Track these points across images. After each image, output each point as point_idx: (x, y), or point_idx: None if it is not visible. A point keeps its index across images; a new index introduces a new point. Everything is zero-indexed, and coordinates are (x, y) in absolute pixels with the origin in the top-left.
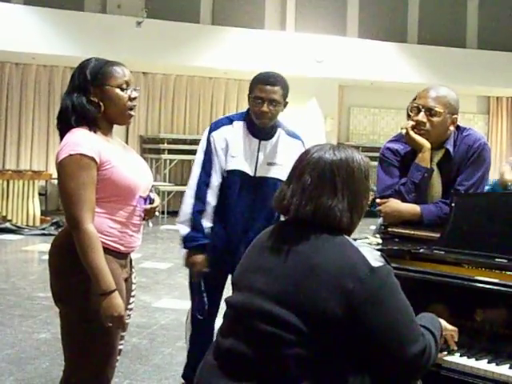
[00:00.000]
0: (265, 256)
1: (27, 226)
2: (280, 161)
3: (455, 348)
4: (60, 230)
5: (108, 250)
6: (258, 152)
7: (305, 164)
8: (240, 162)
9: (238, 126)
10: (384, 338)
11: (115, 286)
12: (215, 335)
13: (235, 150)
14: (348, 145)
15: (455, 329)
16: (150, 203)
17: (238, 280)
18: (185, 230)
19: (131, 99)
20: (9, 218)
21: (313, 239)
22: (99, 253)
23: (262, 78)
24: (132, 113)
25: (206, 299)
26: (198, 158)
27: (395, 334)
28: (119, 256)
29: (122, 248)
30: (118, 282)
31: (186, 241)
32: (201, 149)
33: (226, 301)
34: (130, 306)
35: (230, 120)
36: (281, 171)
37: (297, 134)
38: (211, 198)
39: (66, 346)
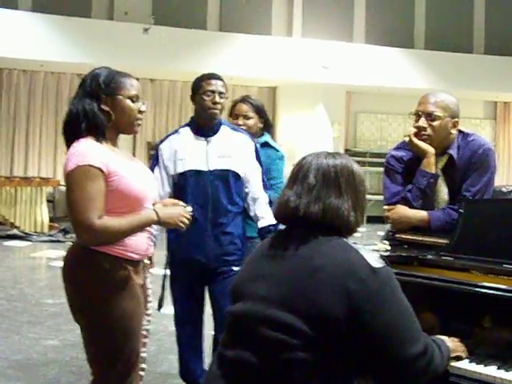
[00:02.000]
0: (264, 264)
1: (35, 232)
2: (229, 153)
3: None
4: (68, 236)
5: (121, 259)
6: (207, 148)
7: (307, 168)
8: (190, 162)
9: (184, 132)
10: (385, 338)
11: (154, 213)
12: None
13: (183, 153)
14: (355, 151)
15: (463, 349)
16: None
17: (238, 290)
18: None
19: (140, 112)
20: (17, 224)
21: (313, 242)
22: (123, 222)
23: (206, 76)
24: (139, 123)
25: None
26: (151, 171)
27: (396, 334)
28: (132, 263)
29: (134, 256)
30: (132, 290)
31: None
32: (151, 164)
33: (227, 311)
34: (148, 312)
35: (175, 130)
36: (232, 163)
37: (240, 129)
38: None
39: (90, 356)
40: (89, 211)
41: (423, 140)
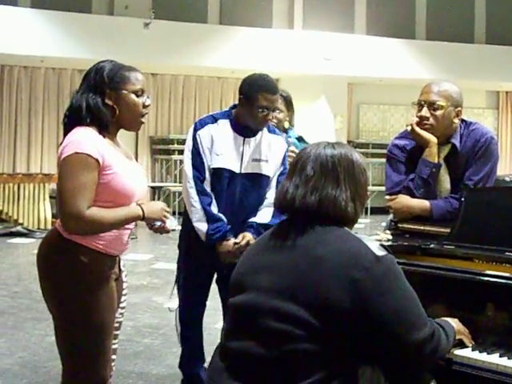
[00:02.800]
0: (266, 255)
1: (38, 229)
2: (264, 157)
3: (469, 345)
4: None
5: (96, 252)
6: (243, 149)
7: (305, 159)
8: (226, 160)
9: (223, 125)
10: (391, 324)
11: (140, 208)
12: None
13: (220, 148)
14: (358, 142)
15: (467, 331)
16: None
17: (240, 282)
18: (204, 226)
19: (145, 106)
20: (20, 221)
21: (314, 232)
22: (110, 214)
23: (264, 87)
24: (143, 120)
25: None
26: (187, 158)
27: (402, 320)
28: (108, 257)
29: (111, 250)
30: (107, 282)
31: (210, 236)
32: (187, 148)
33: (230, 303)
34: (122, 305)
35: (214, 119)
36: (266, 167)
37: (277, 131)
38: (209, 190)
39: (61, 348)
40: (79, 200)
41: (425, 129)
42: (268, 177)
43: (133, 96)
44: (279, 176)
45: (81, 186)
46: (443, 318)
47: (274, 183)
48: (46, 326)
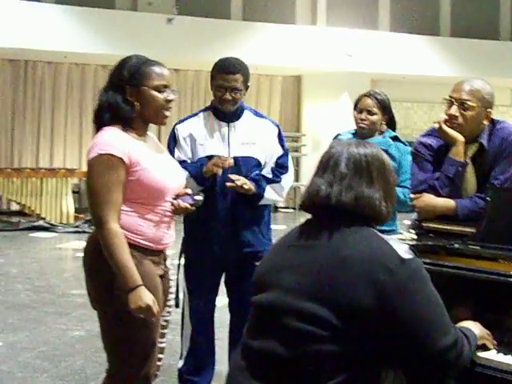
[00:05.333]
0: (291, 254)
1: (61, 223)
2: (252, 140)
3: (491, 348)
4: (93, 227)
5: (139, 248)
6: (229, 134)
7: (338, 156)
8: (211, 148)
9: (205, 116)
10: (414, 329)
11: (141, 281)
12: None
13: (202, 138)
14: None
15: (489, 336)
16: (192, 204)
17: (263, 280)
18: (188, 175)
19: (167, 101)
20: (43, 215)
21: (341, 232)
22: (124, 251)
23: (220, 66)
24: (167, 113)
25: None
26: (170, 153)
27: (426, 326)
28: (151, 253)
29: (152, 245)
30: (151, 280)
31: (194, 174)
32: (168, 145)
33: (253, 301)
34: (169, 303)
35: (194, 114)
36: (255, 150)
37: (264, 115)
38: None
39: (106, 345)
40: (108, 210)
41: (453, 128)
42: (257, 159)
43: (153, 92)
44: (279, 158)
45: (107, 187)
46: (465, 323)
47: (271, 165)
48: (68, 320)
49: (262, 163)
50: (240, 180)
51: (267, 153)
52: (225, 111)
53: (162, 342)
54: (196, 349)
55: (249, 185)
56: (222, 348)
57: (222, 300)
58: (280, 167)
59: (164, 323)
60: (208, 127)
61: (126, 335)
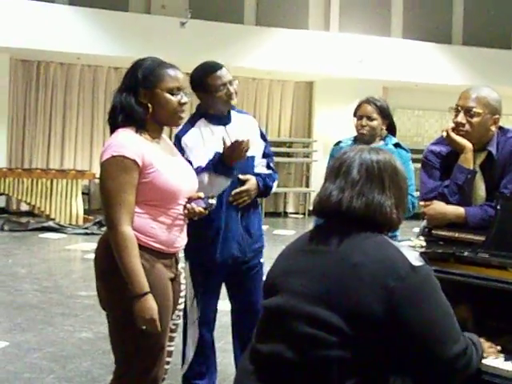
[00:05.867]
0: (302, 259)
1: (70, 224)
2: (245, 138)
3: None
4: (102, 229)
5: (151, 250)
6: (229, 136)
7: (350, 162)
8: (213, 153)
9: (199, 124)
10: (424, 336)
11: (149, 288)
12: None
13: (208, 149)
14: None
15: (496, 348)
16: (205, 208)
17: (273, 284)
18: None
19: (181, 104)
20: (52, 216)
21: (353, 238)
22: (134, 255)
23: (207, 69)
24: (182, 115)
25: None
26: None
27: (435, 333)
28: (163, 256)
29: (164, 248)
30: (162, 283)
31: (217, 167)
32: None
33: (263, 305)
34: (179, 307)
35: (192, 124)
36: (251, 148)
37: (242, 110)
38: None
39: (114, 347)
40: (121, 212)
41: (461, 136)
42: (254, 156)
43: (166, 94)
44: (265, 148)
45: (120, 189)
46: (473, 335)
47: (261, 158)
48: (75, 321)
49: (256, 158)
50: (249, 180)
51: (257, 147)
52: (227, 109)
53: (170, 346)
54: (202, 353)
55: (254, 183)
56: (224, 351)
57: (221, 304)
58: (269, 156)
59: (173, 327)
60: (209, 136)
61: (135, 337)
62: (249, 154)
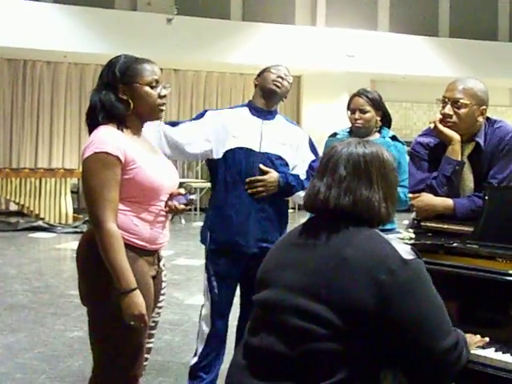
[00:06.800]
0: (293, 252)
1: (60, 223)
2: (283, 140)
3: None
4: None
5: (133, 248)
6: (262, 130)
7: (337, 158)
8: (243, 140)
9: (239, 110)
10: (415, 330)
11: (136, 284)
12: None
13: (236, 130)
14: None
15: (484, 340)
16: (186, 204)
17: (265, 277)
18: None
19: (161, 97)
20: (41, 216)
21: (343, 232)
22: (120, 252)
23: (271, 66)
24: (163, 108)
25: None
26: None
27: (426, 327)
28: (145, 253)
29: (147, 245)
30: (144, 280)
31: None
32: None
33: (254, 299)
34: (159, 304)
35: (230, 108)
36: (284, 151)
37: (294, 122)
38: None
39: (93, 344)
40: (106, 209)
41: (448, 127)
42: (285, 160)
43: (146, 88)
44: (313, 162)
45: (103, 186)
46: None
47: (305, 168)
48: (66, 321)
49: (290, 165)
50: (270, 173)
51: (298, 157)
52: (273, 99)
53: (149, 343)
54: (213, 346)
55: (274, 177)
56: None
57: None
58: (313, 170)
59: (152, 324)
60: (243, 121)
61: (114, 337)
62: (284, 156)
